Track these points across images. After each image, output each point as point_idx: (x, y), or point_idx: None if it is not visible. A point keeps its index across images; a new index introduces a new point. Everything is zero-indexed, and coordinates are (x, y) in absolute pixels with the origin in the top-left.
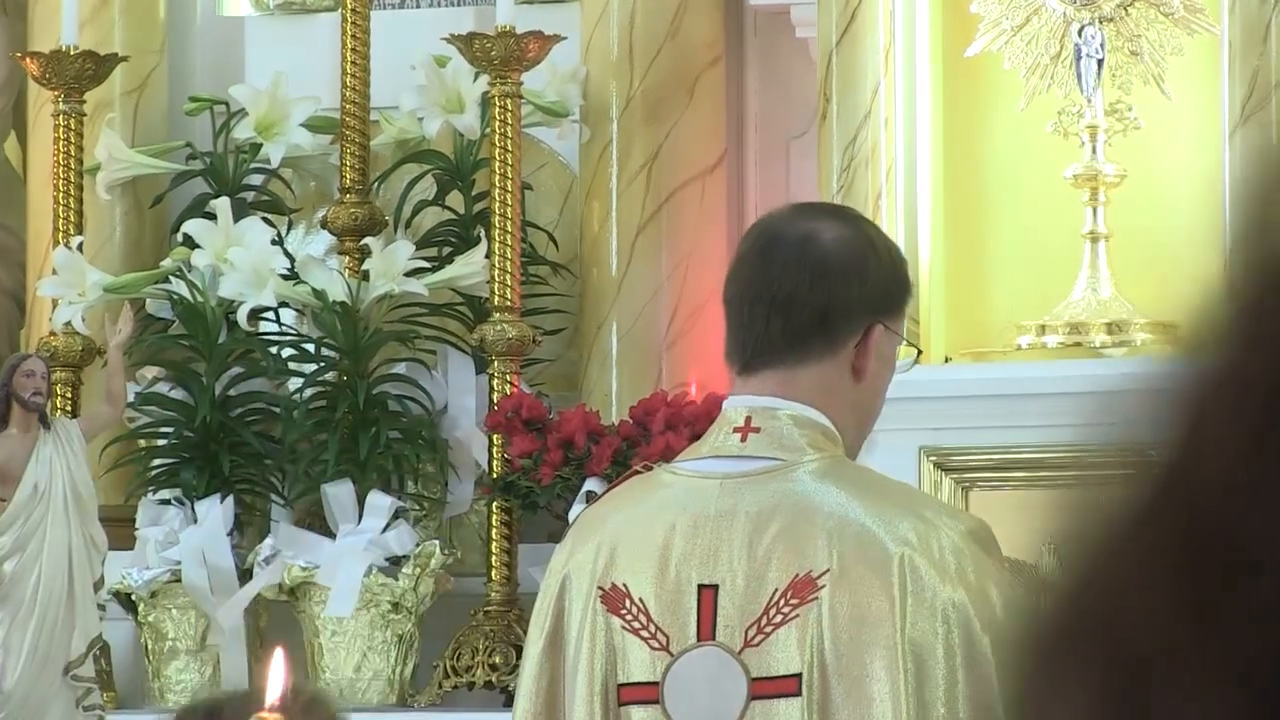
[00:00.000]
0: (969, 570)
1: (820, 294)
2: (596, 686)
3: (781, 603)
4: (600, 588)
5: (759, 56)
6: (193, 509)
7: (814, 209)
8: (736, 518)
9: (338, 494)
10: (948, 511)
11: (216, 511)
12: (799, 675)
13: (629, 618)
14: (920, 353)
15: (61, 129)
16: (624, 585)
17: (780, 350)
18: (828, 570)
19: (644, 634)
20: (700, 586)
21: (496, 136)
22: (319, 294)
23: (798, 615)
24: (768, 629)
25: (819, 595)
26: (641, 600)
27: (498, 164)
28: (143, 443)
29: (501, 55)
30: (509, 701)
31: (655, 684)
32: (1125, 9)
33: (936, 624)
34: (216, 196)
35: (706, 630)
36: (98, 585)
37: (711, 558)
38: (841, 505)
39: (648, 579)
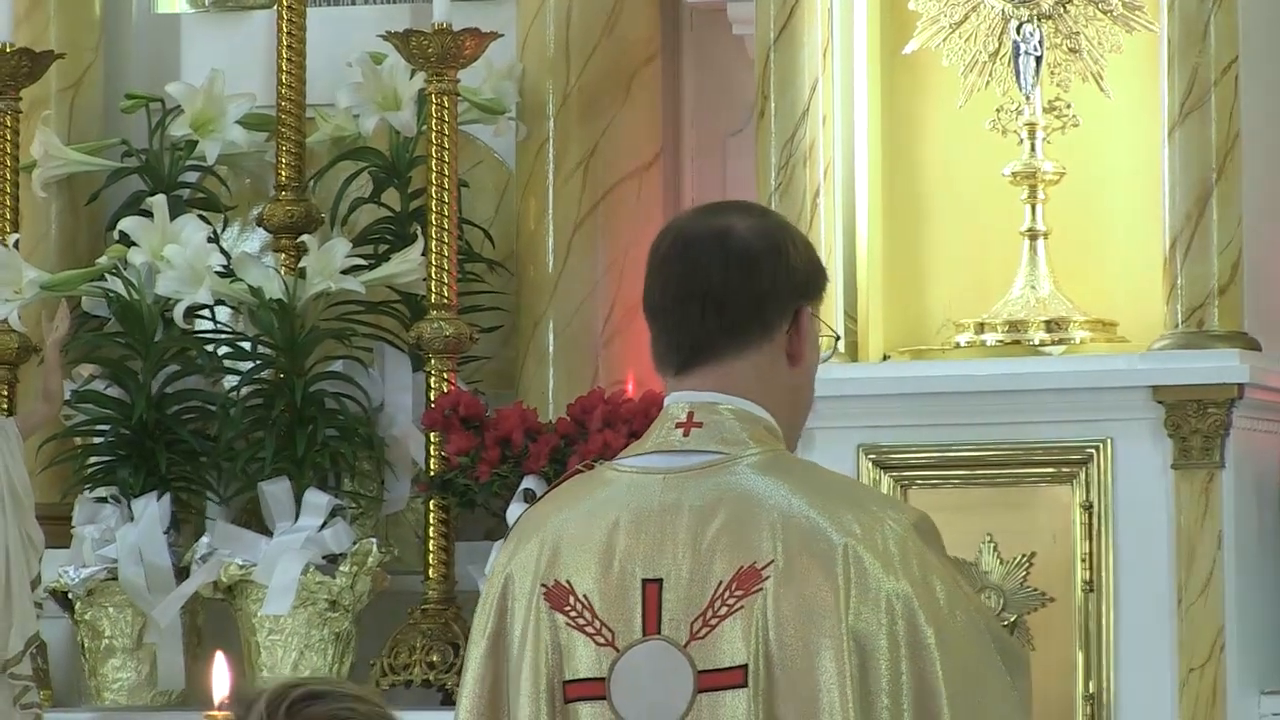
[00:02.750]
0: (913, 562)
1: (751, 282)
2: (542, 684)
3: (726, 595)
4: (543, 585)
5: (695, 54)
6: (129, 507)
7: (719, 206)
8: (680, 512)
9: (274, 492)
10: (891, 504)
11: (153, 509)
12: (745, 666)
13: (573, 614)
14: (839, 338)
15: None
16: (567, 582)
17: (717, 344)
18: (772, 561)
19: (589, 630)
20: (645, 581)
21: (433, 134)
22: (255, 291)
23: (743, 607)
24: (713, 621)
25: (764, 586)
26: (585, 596)
27: (434, 161)
28: (79, 440)
29: (438, 52)
30: (447, 699)
31: (602, 680)
32: (1064, 6)
33: (880, 615)
34: (152, 194)
35: (652, 624)
36: (34, 583)
37: (655, 552)
38: (785, 498)
39: (591, 575)
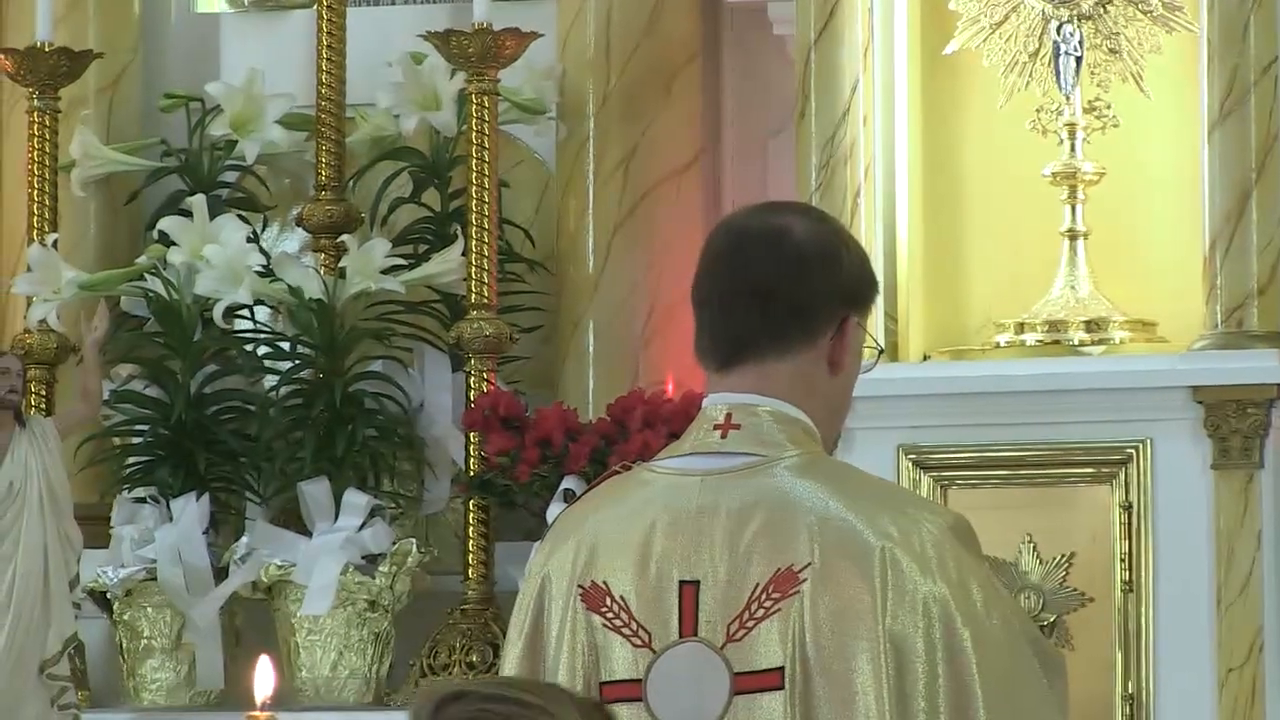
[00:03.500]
0: (950, 564)
1: (799, 286)
2: (578, 685)
3: (763, 597)
4: (580, 586)
5: (736, 54)
6: (168, 507)
7: (779, 206)
8: (717, 514)
9: (314, 492)
10: (928, 506)
11: (192, 509)
12: (781, 669)
13: (610, 615)
14: (882, 352)
15: (36, 126)
16: (604, 583)
17: (760, 344)
18: (809, 564)
19: (625, 631)
20: (681, 583)
21: (473, 134)
22: (295, 291)
23: (779, 609)
24: (750, 624)
25: (800, 589)
26: (622, 598)
27: (474, 161)
28: (118, 440)
29: (478, 52)
30: None
31: (638, 681)
32: (1104, 7)
33: (917, 617)
34: (191, 194)
35: (689, 626)
36: (73, 583)
37: (693, 554)
38: (822, 500)
39: (628, 576)
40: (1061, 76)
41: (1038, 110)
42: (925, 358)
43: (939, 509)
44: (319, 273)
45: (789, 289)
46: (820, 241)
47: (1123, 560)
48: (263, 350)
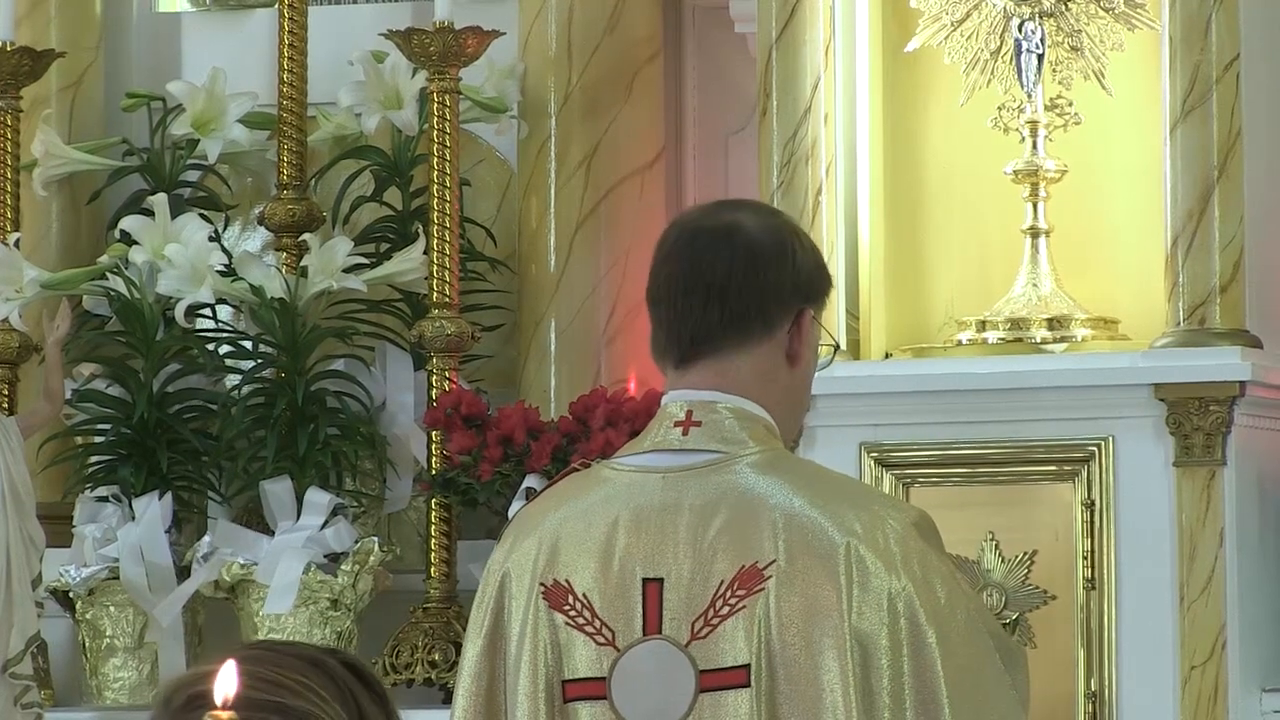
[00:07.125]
0: (914, 561)
1: (756, 280)
2: (540, 684)
3: (728, 594)
4: (542, 584)
5: (698, 52)
6: (130, 506)
7: (730, 203)
8: (680, 511)
9: (276, 491)
10: (891, 503)
11: (154, 508)
12: (747, 666)
13: (572, 614)
14: (838, 348)
15: None
16: (566, 581)
17: (718, 338)
18: (774, 561)
19: (589, 630)
20: (645, 580)
21: (435, 132)
22: (257, 290)
23: (744, 606)
24: (715, 621)
25: (766, 586)
26: (585, 596)
27: (436, 160)
28: (80, 440)
29: (440, 51)
30: (448, 699)
31: (602, 679)
32: (1065, 4)
33: (882, 614)
34: (153, 193)
35: (653, 624)
36: (35, 582)
37: (656, 551)
38: (786, 497)
39: (591, 574)
40: (1023, 74)
41: (999, 108)
42: (887, 355)
43: (902, 505)
44: (281, 271)
45: (745, 284)
46: (773, 236)
47: (1085, 558)
48: (225, 349)
